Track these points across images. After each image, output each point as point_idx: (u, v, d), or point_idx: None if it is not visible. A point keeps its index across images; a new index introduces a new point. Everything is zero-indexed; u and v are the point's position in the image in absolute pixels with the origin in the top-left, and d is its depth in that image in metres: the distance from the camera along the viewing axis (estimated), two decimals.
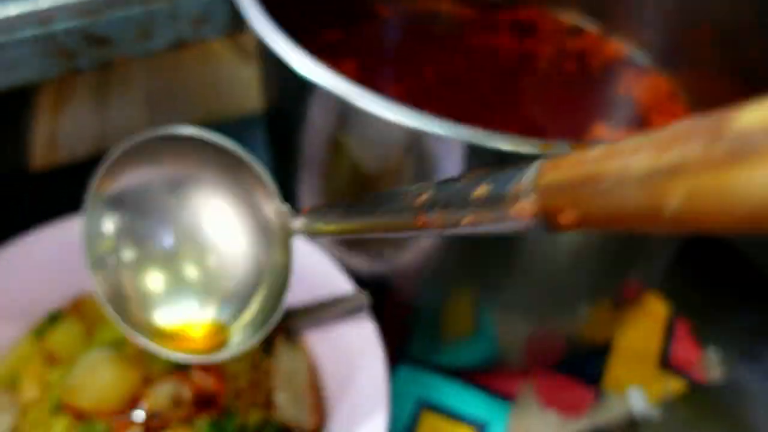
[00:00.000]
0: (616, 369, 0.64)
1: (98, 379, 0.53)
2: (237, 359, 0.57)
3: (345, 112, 0.44)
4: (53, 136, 0.84)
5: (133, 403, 0.54)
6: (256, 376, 0.57)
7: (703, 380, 0.63)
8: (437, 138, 0.41)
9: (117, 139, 0.85)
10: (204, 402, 0.54)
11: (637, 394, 0.61)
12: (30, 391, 0.55)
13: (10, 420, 0.53)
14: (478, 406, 0.60)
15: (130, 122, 0.86)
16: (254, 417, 0.55)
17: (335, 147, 0.49)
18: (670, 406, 0.61)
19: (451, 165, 0.43)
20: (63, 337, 0.58)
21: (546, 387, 0.62)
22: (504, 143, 0.40)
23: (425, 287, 0.56)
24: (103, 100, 0.86)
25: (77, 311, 0.60)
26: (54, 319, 0.59)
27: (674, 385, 0.62)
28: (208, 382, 0.55)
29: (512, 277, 0.52)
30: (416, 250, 0.52)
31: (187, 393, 0.54)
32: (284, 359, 0.58)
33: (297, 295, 0.59)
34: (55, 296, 0.60)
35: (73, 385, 0.53)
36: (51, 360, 0.57)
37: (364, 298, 0.54)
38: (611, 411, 0.61)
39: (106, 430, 0.52)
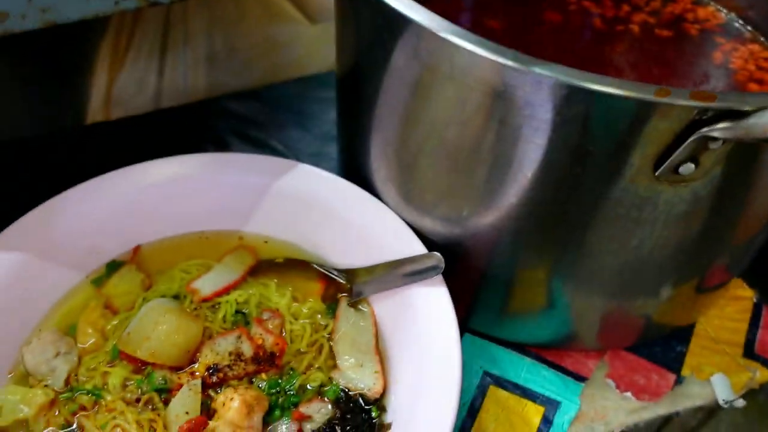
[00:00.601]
0: (697, 355, 0.59)
1: (159, 330, 0.51)
2: (299, 321, 0.55)
3: (435, 49, 0.41)
4: (109, 93, 0.82)
5: (192, 356, 0.52)
6: (318, 338, 0.54)
7: None
8: (536, 78, 0.38)
9: (174, 98, 0.84)
10: (264, 360, 0.52)
11: (721, 381, 0.57)
12: (87, 338, 0.53)
13: (69, 366, 0.51)
14: (548, 385, 0.57)
15: (189, 81, 0.84)
16: (315, 379, 0.52)
17: (418, 93, 0.46)
18: (752, 394, 0.57)
19: (545, 111, 0.40)
20: (122, 286, 0.56)
21: (621, 369, 0.58)
22: (614, 86, 0.36)
23: (499, 254, 0.52)
24: (161, 57, 0.85)
25: (136, 262, 0.58)
26: (113, 268, 0.57)
27: (761, 376, 0.58)
28: (269, 340, 0.52)
29: (593, 251, 0.49)
30: (495, 214, 0.49)
31: (247, 349, 0.52)
32: (348, 322, 0.55)
33: (364, 255, 0.56)
34: (113, 245, 0.58)
35: (132, 335, 0.51)
36: (109, 309, 0.55)
37: (438, 259, 0.51)
38: (691, 398, 0.57)
39: (164, 383, 0.50)
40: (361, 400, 0.51)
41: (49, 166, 0.69)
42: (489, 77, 0.40)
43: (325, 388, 0.52)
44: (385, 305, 0.55)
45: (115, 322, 0.54)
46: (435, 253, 0.51)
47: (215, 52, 0.86)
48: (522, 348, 0.59)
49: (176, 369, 0.51)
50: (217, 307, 0.55)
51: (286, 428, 0.50)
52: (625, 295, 0.54)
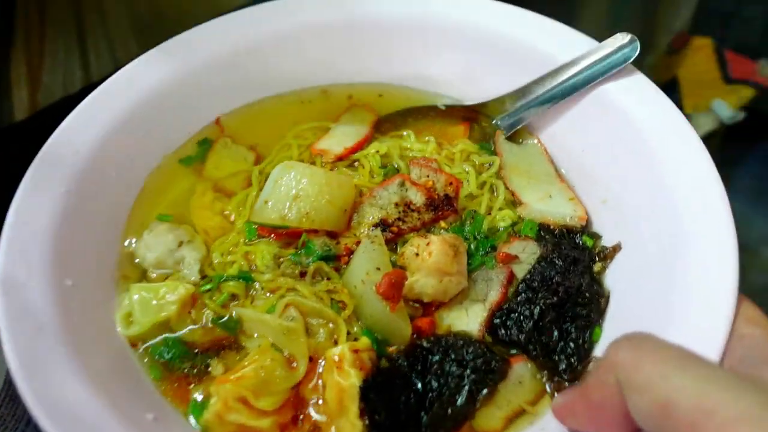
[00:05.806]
0: (689, 95, 0.67)
1: (305, 187, 0.39)
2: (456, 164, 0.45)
3: None
4: (35, 85, 0.67)
5: (349, 218, 0.41)
6: (486, 179, 0.44)
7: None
8: None
9: (105, 72, 0.67)
10: (440, 205, 0.41)
11: (720, 104, 0.64)
12: (207, 222, 0.42)
13: (199, 254, 0.40)
14: None
15: (117, 52, 0.69)
16: (504, 218, 0.42)
17: None
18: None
19: None
20: (224, 165, 0.44)
21: None
22: None
23: None
24: (80, 40, 0.69)
25: (229, 135, 0.46)
26: (205, 146, 0.46)
27: (744, 92, 0.65)
28: (440, 180, 0.42)
29: None
30: None
31: (415, 195, 0.41)
32: (513, 156, 0.45)
33: (510, 76, 0.46)
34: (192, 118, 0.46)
35: (271, 201, 0.40)
36: (221, 192, 0.44)
37: (630, 38, 0.41)
38: (702, 126, 0.63)
39: (328, 249, 0.39)
40: (566, 232, 0.42)
41: None
42: None
43: (519, 226, 0.42)
44: (559, 124, 0.45)
45: (237, 199, 0.43)
46: (622, 33, 0.42)
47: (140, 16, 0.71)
48: None
49: (334, 236, 0.41)
50: (355, 165, 0.45)
51: (494, 274, 0.40)
52: None
